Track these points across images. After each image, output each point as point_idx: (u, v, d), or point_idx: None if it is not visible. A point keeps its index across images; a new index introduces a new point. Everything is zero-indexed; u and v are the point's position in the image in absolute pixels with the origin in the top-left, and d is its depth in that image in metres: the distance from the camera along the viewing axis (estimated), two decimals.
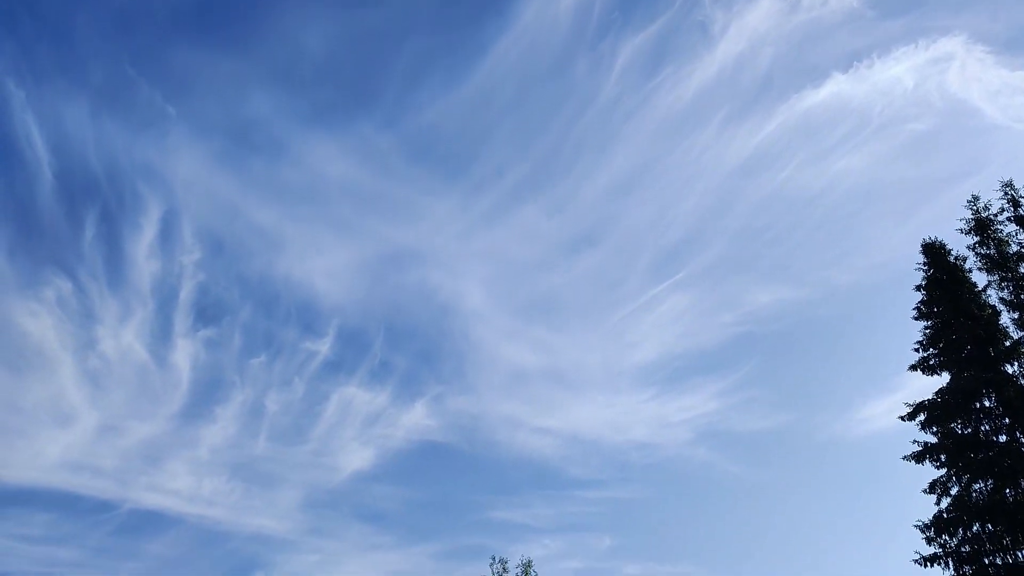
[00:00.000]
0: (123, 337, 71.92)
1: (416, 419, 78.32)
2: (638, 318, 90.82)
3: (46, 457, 63.26)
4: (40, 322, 68.48)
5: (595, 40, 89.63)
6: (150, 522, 65.40)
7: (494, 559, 32.39)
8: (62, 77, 78.54)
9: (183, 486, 66.43)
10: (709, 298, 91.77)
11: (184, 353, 73.93)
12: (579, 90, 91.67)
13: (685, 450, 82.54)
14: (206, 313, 77.24)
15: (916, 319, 31.60)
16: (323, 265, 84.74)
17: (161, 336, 73.98)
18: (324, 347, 79.03)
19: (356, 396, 77.67)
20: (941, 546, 27.96)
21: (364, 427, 76.20)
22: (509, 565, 32.32)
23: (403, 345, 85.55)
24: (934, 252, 32.02)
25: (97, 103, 78.32)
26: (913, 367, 31.09)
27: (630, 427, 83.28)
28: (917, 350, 31.27)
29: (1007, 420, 28.61)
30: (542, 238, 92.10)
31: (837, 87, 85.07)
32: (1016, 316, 29.55)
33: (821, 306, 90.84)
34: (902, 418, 30.56)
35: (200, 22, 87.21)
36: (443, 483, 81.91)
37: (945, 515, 28.37)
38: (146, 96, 79.14)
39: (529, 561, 32.31)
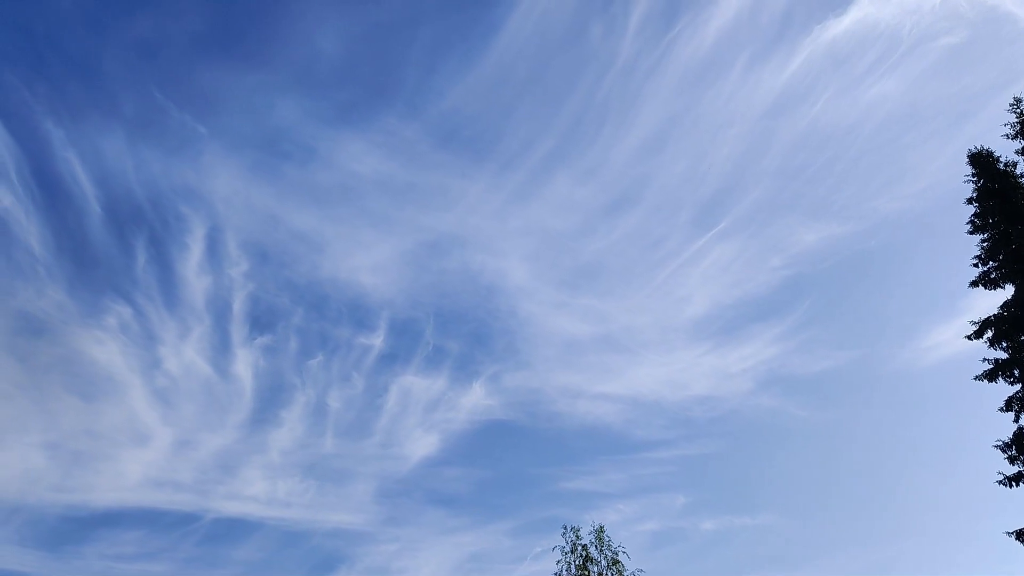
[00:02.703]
0: (185, 354, 74.13)
1: (475, 400, 78.99)
2: (685, 273, 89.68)
3: (128, 477, 65.83)
4: (106, 349, 71.14)
5: (606, 3, 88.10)
6: (233, 529, 67.58)
7: (566, 528, 32.16)
8: (96, 112, 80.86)
9: (259, 491, 68.36)
10: (755, 244, 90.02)
11: (244, 362, 75.96)
12: (596, 55, 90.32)
13: (749, 400, 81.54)
14: (260, 321, 79.16)
15: (971, 234, 30.34)
16: (366, 261, 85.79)
17: (220, 349, 76.10)
18: (377, 340, 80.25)
19: (414, 384, 78.68)
20: None
21: (426, 414, 77.17)
22: (582, 533, 32.08)
23: (453, 329, 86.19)
24: (982, 161, 30.63)
25: (132, 132, 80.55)
26: (974, 283, 29.90)
27: (690, 383, 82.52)
28: (976, 265, 30.06)
29: None
30: (578, 206, 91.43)
31: (861, 12, 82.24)
32: None
33: (871, 238, 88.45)
34: (969, 337, 29.44)
35: (218, 40, 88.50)
36: (510, 460, 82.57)
37: None
38: (176, 119, 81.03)
39: (601, 527, 32.03)
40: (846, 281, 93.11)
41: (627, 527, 64.60)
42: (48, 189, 74.70)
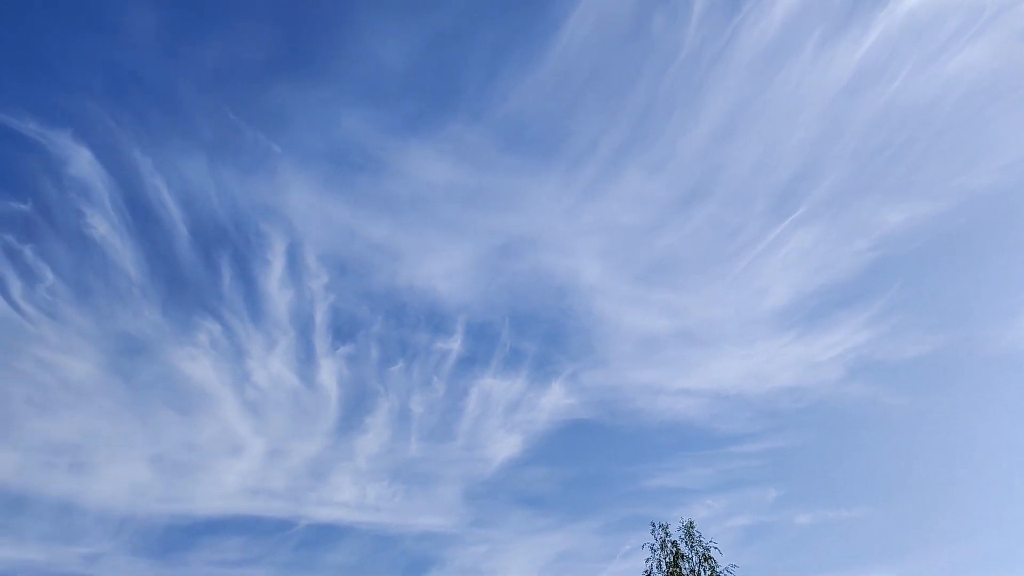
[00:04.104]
0: (272, 366, 76.90)
1: (555, 400, 79.09)
2: (763, 262, 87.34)
3: (226, 486, 68.66)
4: (199, 365, 74.40)
5: None
6: (326, 534, 69.61)
7: (654, 525, 32.03)
8: (177, 137, 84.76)
9: (349, 496, 70.27)
10: (836, 229, 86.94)
11: (328, 372, 78.25)
12: (659, 46, 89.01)
13: (838, 388, 78.83)
14: (342, 331, 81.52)
15: None
16: (441, 267, 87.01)
17: (305, 359, 78.63)
18: (455, 344, 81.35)
19: (494, 386, 79.49)
20: None
21: (507, 415, 77.79)
22: (671, 529, 31.90)
23: (529, 330, 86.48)
24: None
25: (211, 155, 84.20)
26: None
27: (774, 374, 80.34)
28: None
29: None
30: (649, 200, 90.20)
31: None
32: None
33: (960, 216, 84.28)
34: None
35: (285, 60, 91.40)
36: (594, 459, 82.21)
37: None
38: (251, 139, 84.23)
39: (691, 523, 31.75)
40: (937, 261, 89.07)
41: (717, 523, 63.53)
42: (139, 215, 78.87)
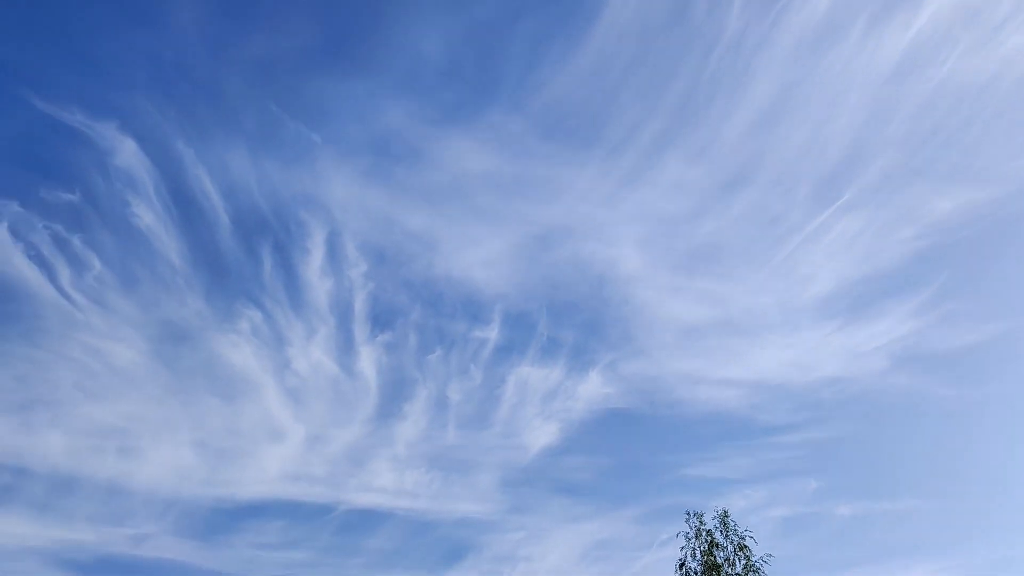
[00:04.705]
0: (312, 354, 77.94)
1: (593, 389, 78.71)
2: (807, 250, 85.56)
3: (267, 472, 69.86)
4: (241, 352, 75.75)
5: None
6: (365, 520, 70.52)
7: (689, 514, 31.68)
8: (220, 129, 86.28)
9: (387, 483, 70.97)
10: (883, 215, 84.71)
11: (367, 359, 79.01)
12: (702, 31, 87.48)
13: (883, 379, 76.97)
14: (380, 319, 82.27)
15: None
16: (478, 256, 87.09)
17: (345, 347, 79.52)
18: (492, 333, 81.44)
19: (531, 375, 79.47)
20: None
21: (544, 403, 77.72)
22: (705, 518, 31.49)
23: (567, 319, 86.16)
24: None
25: (253, 146, 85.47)
26: None
27: (817, 364, 78.77)
28: None
29: None
30: (690, 187, 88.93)
31: None
32: None
33: (1014, 202, 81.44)
34: None
35: (326, 52, 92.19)
36: (632, 448, 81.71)
37: None
38: (292, 130, 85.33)
39: (725, 512, 31.32)
40: (989, 249, 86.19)
41: (756, 513, 62.59)
42: (183, 205, 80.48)
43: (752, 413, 76.59)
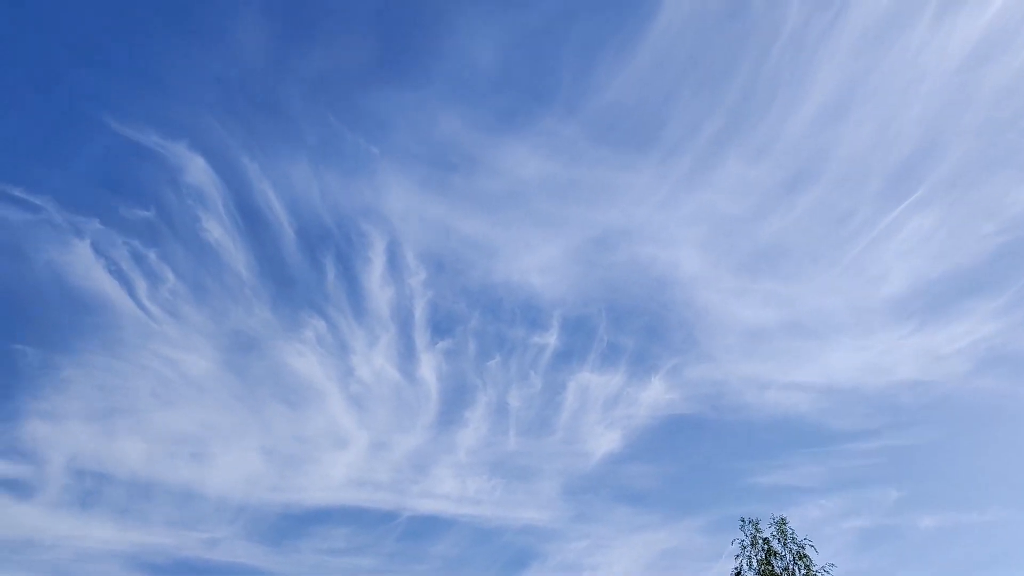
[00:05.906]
0: (375, 361, 79.25)
1: (656, 395, 77.49)
2: (878, 248, 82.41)
3: (333, 478, 71.23)
4: (306, 360, 77.61)
5: None
6: (428, 526, 71.08)
7: (744, 521, 30.77)
8: (283, 143, 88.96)
9: (450, 489, 71.38)
10: (960, 210, 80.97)
11: (428, 366, 79.88)
12: (760, 25, 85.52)
13: (966, 382, 73.37)
14: (440, 327, 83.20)
15: None
16: (536, 262, 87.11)
17: (406, 355, 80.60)
18: (552, 339, 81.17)
19: (591, 381, 78.75)
20: None
21: (605, 410, 76.87)
22: (762, 526, 30.50)
23: (627, 324, 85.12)
24: None
25: (314, 159, 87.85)
26: None
27: (893, 367, 75.63)
28: None
29: None
30: (752, 186, 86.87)
31: None
32: None
33: None
34: None
35: (382, 64, 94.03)
36: (697, 455, 79.98)
37: None
38: (351, 143, 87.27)
39: (783, 519, 30.26)
40: None
41: (832, 523, 60.46)
42: (249, 218, 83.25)
43: (823, 418, 74.13)
